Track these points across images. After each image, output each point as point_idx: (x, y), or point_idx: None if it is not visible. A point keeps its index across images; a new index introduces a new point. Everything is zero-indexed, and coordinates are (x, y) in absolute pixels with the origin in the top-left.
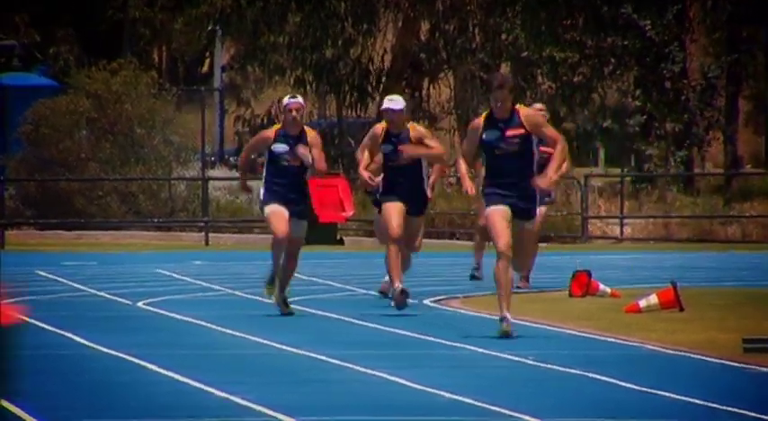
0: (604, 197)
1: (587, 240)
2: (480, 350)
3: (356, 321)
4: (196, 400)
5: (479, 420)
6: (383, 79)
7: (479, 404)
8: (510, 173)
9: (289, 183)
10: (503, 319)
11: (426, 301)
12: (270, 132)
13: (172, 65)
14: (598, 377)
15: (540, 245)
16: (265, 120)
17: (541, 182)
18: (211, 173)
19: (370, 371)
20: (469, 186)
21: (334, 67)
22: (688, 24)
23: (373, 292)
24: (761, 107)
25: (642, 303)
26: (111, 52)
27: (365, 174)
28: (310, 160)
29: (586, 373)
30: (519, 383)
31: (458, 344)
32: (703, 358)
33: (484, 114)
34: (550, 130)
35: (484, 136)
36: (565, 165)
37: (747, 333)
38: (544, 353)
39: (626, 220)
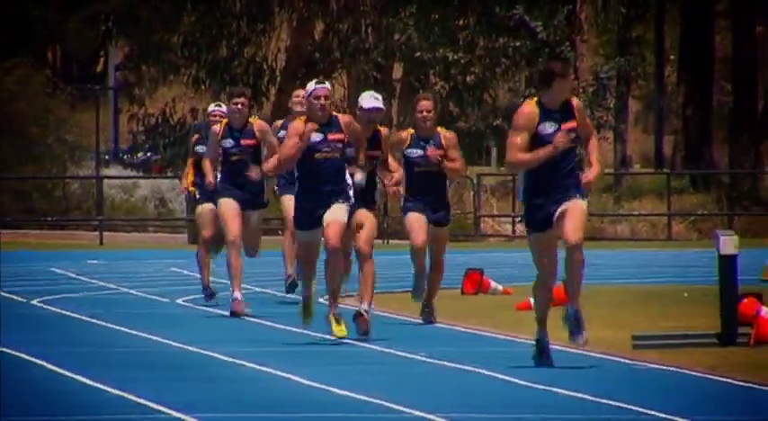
0: (497, 196)
1: (480, 238)
2: (374, 347)
3: (251, 319)
4: (92, 398)
5: (371, 416)
6: (278, 78)
7: (371, 400)
8: (558, 171)
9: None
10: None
11: (322, 300)
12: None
13: (66, 64)
14: (489, 373)
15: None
16: (160, 119)
17: (592, 176)
18: (106, 171)
19: (263, 369)
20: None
21: (228, 65)
22: (579, 25)
23: (269, 290)
24: (650, 107)
25: (533, 301)
26: (6, 51)
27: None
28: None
29: (478, 370)
30: (411, 379)
31: (351, 342)
32: (594, 355)
33: (533, 100)
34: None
35: (540, 129)
36: (459, 164)
37: (637, 330)
38: (436, 349)
39: (518, 219)
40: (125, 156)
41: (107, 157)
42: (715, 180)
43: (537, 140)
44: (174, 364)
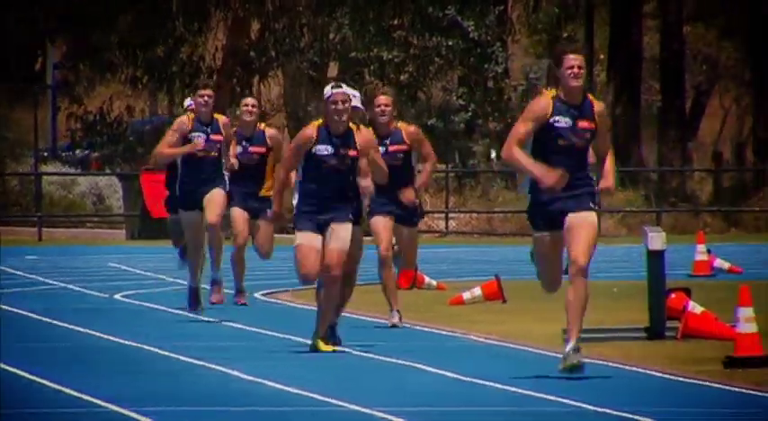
0: (430, 192)
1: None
2: (308, 341)
3: (189, 314)
4: (28, 392)
5: (304, 409)
6: (214, 77)
7: (304, 393)
8: (570, 168)
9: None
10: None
11: (257, 295)
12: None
13: (4, 62)
14: (422, 367)
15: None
16: (97, 117)
17: (611, 184)
18: (44, 168)
19: (198, 362)
20: (552, 176)
21: (166, 65)
22: (510, 26)
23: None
24: None
25: (466, 295)
26: None
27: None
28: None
29: (412, 363)
30: (344, 373)
31: (286, 336)
32: (525, 348)
33: (550, 93)
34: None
35: (553, 119)
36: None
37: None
38: (370, 344)
39: (451, 215)
40: (64, 154)
41: (46, 154)
42: (643, 177)
43: (547, 131)
44: (112, 359)
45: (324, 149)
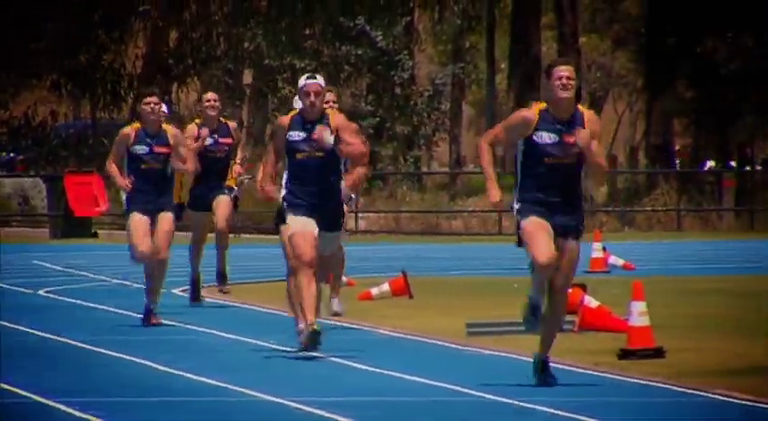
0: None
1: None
2: (225, 335)
3: (110, 309)
4: None
5: (217, 400)
6: (135, 83)
7: (219, 384)
8: (558, 183)
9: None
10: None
11: (174, 290)
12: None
13: None
14: (334, 359)
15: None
16: (22, 122)
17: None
18: None
19: (119, 355)
20: (497, 195)
21: (88, 71)
22: (416, 35)
23: (127, 282)
24: (482, 112)
25: (375, 291)
26: None
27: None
28: (331, 142)
29: (325, 357)
30: (258, 365)
31: (203, 330)
32: (431, 341)
33: (539, 106)
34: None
35: (535, 136)
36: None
37: (470, 318)
38: (284, 337)
39: (360, 214)
40: None
41: None
42: None
43: (532, 149)
44: (35, 352)
45: (296, 136)
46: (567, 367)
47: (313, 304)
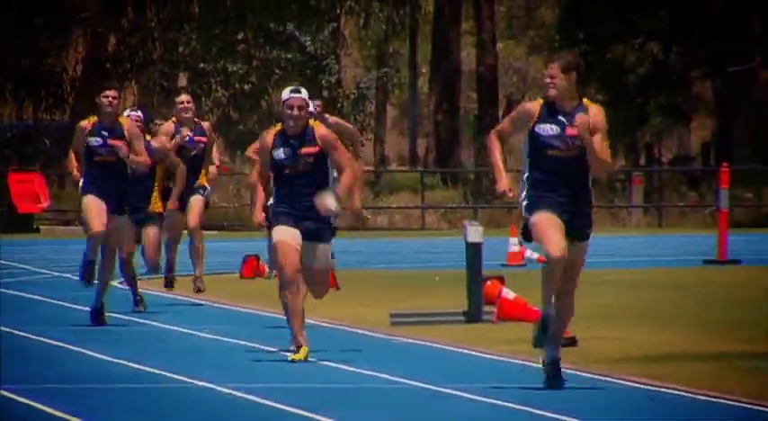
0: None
1: (255, 228)
2: (163, 325)
3: (52, 301)
4: None
5: (157, 386)
6: (76, 86)
7: (159, 372)
8: (564, 180)
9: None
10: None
11: (115, 283)
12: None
13: None
14: (265, 347)
15: (212, 232)
16: None
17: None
18: None
19: (64, 345)
20: (505, 184)
21: (31, 75)
22: (343, 41)
23: (68, 275)
24: (405, 113)
25: None
26: None
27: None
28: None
29: (256, 345)
30: (193, 353)
31: (147, 321)
32: (357, 331)
33: (540, 101)
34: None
35: (537, 128)
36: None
37: (394, 309)
38: (218, 327)
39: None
40: None
41: None
42: (462, 177)
43: (535, 142)
44: None
45: (281, 154)
46: (485, 355)
47: (299, 323)
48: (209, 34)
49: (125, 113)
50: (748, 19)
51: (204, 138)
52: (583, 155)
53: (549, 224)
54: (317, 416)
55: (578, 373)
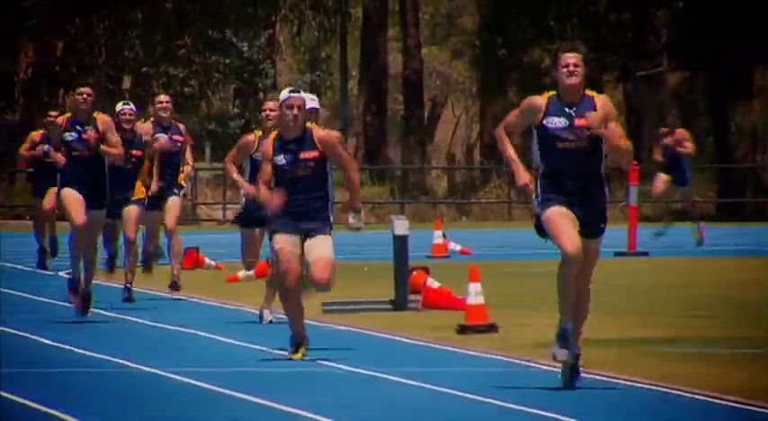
0: (210, 186)
1: (196, 222)
2: (111, 315)
3: (3, 290)
4: None
5: (107, 370)
6: (26, 88)
7: (112, 359)
8: (575, 172)
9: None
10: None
11: (61, 273)
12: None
13: None
14: (204, 334)
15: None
16: None
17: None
18: None
19: (18, 333)
20: (525, 177)
21: None
22: (278, 46)
23: (20, 266)
24: (337, 115)
25: (241, 274)
26: None
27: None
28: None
29: (195, 331)
30: (137, 340)
31: (106, 313)
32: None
33: (548, 93)
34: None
35: (546, 120)
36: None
37: (325, 298)
38: (163, 316)
39: (228, 205)
40: None
41: None
42: (389, 174)
43: (544, 134)
44: None
45: (281, 160)
46: (411, 340)
47: (300, 325)
48: (152, 40)
49: (117, 107)
50: (655, 26)
51: (181, 138)
52: (592, 146)
53: (562, 220)
54: (251, 398)
55: (501, 358)
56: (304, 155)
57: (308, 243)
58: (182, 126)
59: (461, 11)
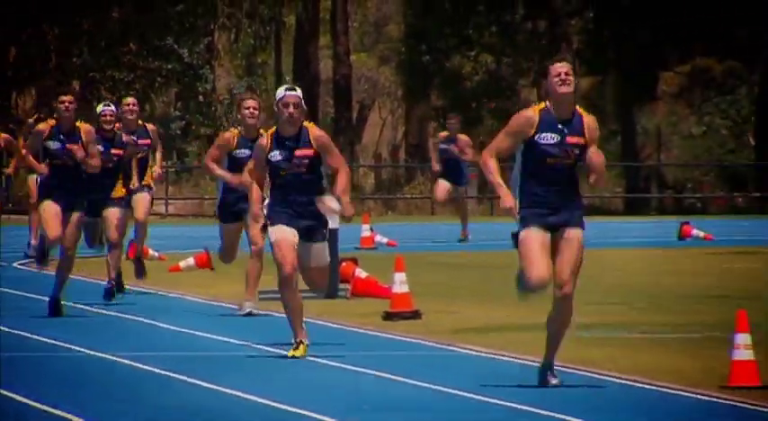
0: (155, 183)
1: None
2: (89, 309)
3: None
4: None
5: (71, 354)
6: None
7: (86, 351)
8: (559, 187)
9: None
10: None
11: (15, 264)
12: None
13: None
14: (150, 321)
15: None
16: None
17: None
18: None
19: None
20: (510, 200)
21: None
22: (216, 52)
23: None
24: (271, 116)
25: (182, 264)
26: None
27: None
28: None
29: (142, 319)
30: (96, 328)
31: (76, 305)
32: (230, 306)
33: (538, 106)
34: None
35: (538, 137)
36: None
37: (262, 287)
38: (122, 306)
39: (170, 201)
40: None
41: None
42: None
43: (534, 150)
44: None
45: (277, 156)
46: (340, 327)
47: (299, 321)
48: (99, 47)
49: (98, 108)
50: (567, 34)
51: (148, 140)
52: (577, 162)
53: (535, 246)
54: (193, 380)
55: (425, 343)
56: (299, 152)
57: (303, 246)
58: (150, 126)
59: (388, 20)
